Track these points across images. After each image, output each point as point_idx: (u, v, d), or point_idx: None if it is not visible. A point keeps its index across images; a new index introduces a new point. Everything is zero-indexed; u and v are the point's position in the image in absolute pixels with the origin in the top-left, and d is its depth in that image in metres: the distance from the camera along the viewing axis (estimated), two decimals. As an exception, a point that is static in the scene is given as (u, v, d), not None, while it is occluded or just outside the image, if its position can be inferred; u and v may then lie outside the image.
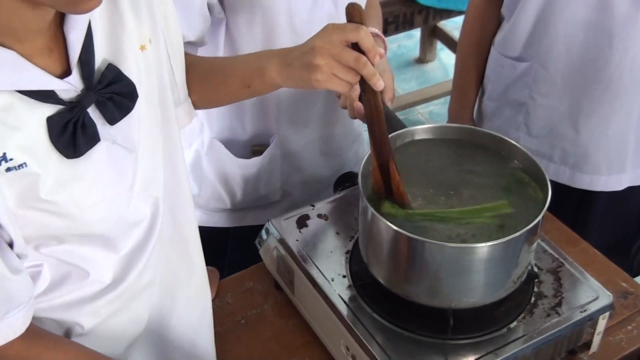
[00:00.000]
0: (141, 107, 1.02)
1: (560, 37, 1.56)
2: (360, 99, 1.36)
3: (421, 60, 4.06)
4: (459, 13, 3.12)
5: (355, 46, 1.05)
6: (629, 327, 1.38)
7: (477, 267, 1.11)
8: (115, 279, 1.07)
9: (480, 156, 1.27)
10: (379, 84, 1.07)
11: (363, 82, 1.08)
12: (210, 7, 1.33)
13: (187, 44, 1.29)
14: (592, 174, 1.70)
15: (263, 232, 1.38)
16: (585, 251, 1.53)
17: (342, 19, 1.43)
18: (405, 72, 3.96)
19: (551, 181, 1.21)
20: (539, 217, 1.12)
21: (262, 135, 1.50)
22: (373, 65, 1.05)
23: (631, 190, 1.75)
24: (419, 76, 3.95)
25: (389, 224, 1.11)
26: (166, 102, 1.11)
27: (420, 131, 1.29)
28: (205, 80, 1.21)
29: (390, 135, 1.26)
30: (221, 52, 1.39)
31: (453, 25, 3.68)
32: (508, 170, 1.25)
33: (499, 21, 1.73)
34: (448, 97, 3.69)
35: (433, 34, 3.88)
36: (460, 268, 1.11)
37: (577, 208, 1.78)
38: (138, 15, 1.01)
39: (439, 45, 3.98)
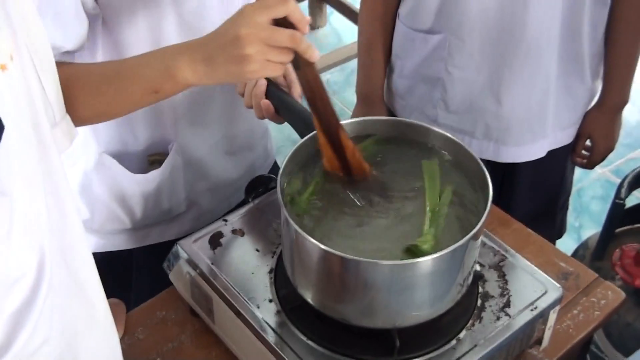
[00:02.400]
0: (10, 140, 0.83)
1: (473, 5, 1.44)
2: (267, 95, 1.20)
3: (311, 26, 3.88)
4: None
5: (281, 21, 0.93)
6: (575, 312, 1.30)
7: (422, 281, 0.99)
8: (0, 345, 0.89)
9: (406, 152, 1.15)
10: (315, 54, 0.97)
11: (296, 57, 0.97)
12: (82, 4, 1.13)
13: (64, 53, 1.10)
14: (516, 146, 1.61)
15: (171, 255, 1.21)
16: (519, 232, 1.44)
17: (235, 4, 1.27)
18: (297, 41, 3.80)
19: None
20: (483, 218, 1.00)
21: (158, 143, 1.33)
22: (304, 34, 0.95)
23: (551, 155, 1.68)
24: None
25: (317, 242, 0.97)
26: (40, 126, 0.92)
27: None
28: (98, 93, 1.03)
29: (304, 139, 1.13)
30: (100, 54, 1.19)
31: (341, -12, 3.55)
32: (437, 164, 1.13)
33: None
34: (345, 65, 3.61)
35: (321, -1, 3.74)
36: (404, 285, 0.99)
37: (501, 181, 1.70)
38: None
39: (329, 9, 3.83)
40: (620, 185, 1.75)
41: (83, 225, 1.37)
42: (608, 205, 2.86)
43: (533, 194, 1.74)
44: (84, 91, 1.04)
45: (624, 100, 1.64)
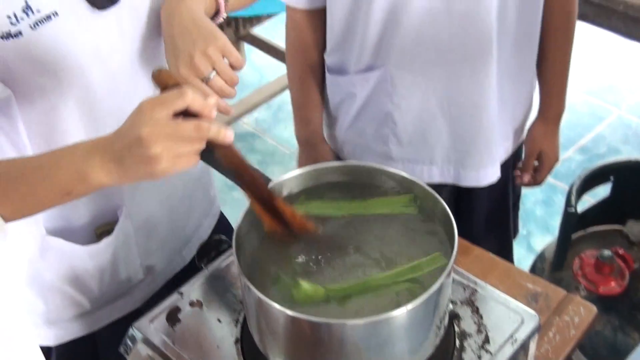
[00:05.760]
0: None
1: (410, 32, 1.38)
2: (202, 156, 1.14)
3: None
4: (269, 17, 2.95)
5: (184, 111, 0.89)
6: (550, 334, 1.26)
7: (401, 332, 0.94)
8: None
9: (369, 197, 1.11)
10: (227, 136, 0.91)
11: (210, 142, 0.92)
12: None
13: None
14: (477, 169, 1.54)
15: (127, 338, 1.13)
16: (481, 258, 1.39)
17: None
18: (219, 83, 3.73)
19: (431, 184, 1.09)
20: (453, 255, 0.97)
21: (105, 211, 1.24)
22: (211, 119, 0.90)
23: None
24: (234, 84, 3.74)
25: (281, 307, 0.91)
26: None
27: (293, 181, 1.10)
28: (11, 191, 0.95)
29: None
30: (25, 139, 1.11)
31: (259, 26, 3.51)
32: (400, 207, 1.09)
33: (324, 35, 1.54)
34: (270, 102, 3.57)
35: (239, 37, 3.69)
36: (382, 340, 0.93)
37: (457, 204, 1.65)
38: None
39: (247, 47, 3.79)
40: (569, 193, 1.74)
41: (39, 319, 1.27)
42: (552, 209, 2.91)
43: (491, 210, 1.69)
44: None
45: (562, 109, 1.63)
